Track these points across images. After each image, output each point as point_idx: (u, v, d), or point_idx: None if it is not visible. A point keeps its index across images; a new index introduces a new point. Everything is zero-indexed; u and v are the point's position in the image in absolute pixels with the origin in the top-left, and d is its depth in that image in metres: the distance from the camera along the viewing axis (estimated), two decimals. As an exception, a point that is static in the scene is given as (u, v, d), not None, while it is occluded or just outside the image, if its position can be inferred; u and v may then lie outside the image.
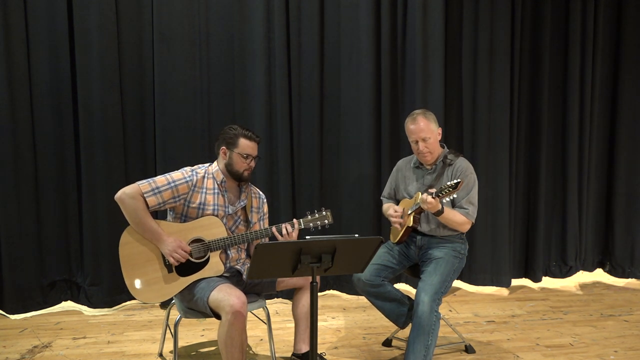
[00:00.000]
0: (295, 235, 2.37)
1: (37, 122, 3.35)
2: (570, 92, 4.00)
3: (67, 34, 3.34)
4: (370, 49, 3.65)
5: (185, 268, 2.30)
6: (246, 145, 2.37)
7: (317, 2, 3.62)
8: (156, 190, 2.27)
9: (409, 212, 2.57)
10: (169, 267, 2.30)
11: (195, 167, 2.43)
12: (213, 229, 2.35)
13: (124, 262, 2.29)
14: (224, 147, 2.41)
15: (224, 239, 2.33)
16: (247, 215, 2.47)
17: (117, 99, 3.42)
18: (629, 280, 4.22)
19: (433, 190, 2.38)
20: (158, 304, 3.57)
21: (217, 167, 2.43)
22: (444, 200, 2.40)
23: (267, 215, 2.62)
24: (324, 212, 2.43)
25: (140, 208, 2.25)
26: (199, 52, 3.53)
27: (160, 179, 2.30)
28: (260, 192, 2.61)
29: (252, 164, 2.41)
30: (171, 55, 3.47)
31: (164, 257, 2.30)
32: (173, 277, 2.30)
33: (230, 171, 2.40)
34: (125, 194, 2.25)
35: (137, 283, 2.28)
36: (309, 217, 2.43)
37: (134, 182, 2.30)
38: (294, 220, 2.40)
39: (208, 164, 2.47)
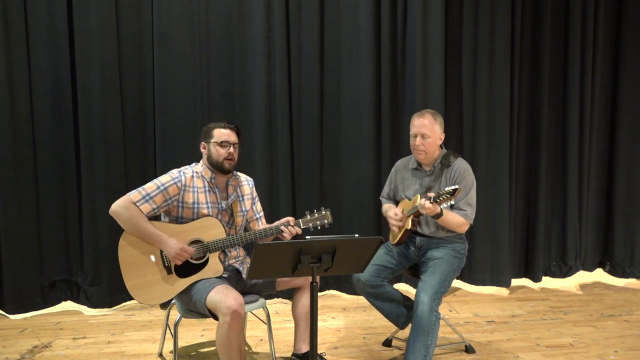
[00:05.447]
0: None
1: (37, 122, 3.35)
2: (570, 92, 4.00)
3: (67, 34, 3.35)
4: (370, 49, 3.65)
5: (185, 269, 2.30)
6: (220, 133, 2.40)
7: (317, 2, 3.62)
8: (147, 197, 2.27)
9: (408, 214, 2.57)
10: (168, 268, 2.30)
11: (182, 167, 2.44)
12: (212, 230, 2.34)
13: (123, 263, 2.29)
14: (202, 143, 2.44)
15: (222, 240, 2.33)
16: (234, 210, 2.46)
17: (117, 99, 3.42)
18: (629, 280, 4.21)
19: (431, 195, 2.37)
20: (158, 305, 3.57)
21: (204, 165, 2.43)
22: (442, 205, 2.39)
23: (258, 199, 2.62)
24: (323, 212, 2.42)
25: (135, 216, 2.25)
26: (199, 52, 3.53)
27: (150, 186, 2.31)
28: (247, 177, 2.61)
29: (232, 150, 2.39)
30: (171, 55, 3.47)
31: (163, 258, 2.30)
32: (172, 278, 2.30)
33: (211, 163, 2.40)
34: (117, 206, 2.27)
35: (137, 284, 2.28)
36: (309, 217, 2.42)
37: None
38: (291, 218, 2.39)
39: (194, 164, 2.47)
